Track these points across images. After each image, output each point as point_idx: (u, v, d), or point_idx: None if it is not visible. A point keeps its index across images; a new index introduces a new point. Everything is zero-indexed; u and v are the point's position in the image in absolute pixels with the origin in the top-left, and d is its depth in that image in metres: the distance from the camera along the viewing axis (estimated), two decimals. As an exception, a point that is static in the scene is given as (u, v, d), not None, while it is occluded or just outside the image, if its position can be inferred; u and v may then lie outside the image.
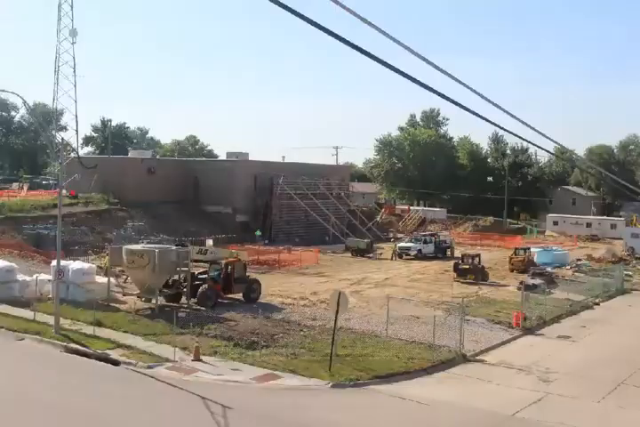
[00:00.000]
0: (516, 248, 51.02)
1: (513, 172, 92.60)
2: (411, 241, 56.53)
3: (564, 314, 33.12)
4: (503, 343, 27.31)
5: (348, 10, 6.73)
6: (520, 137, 9.46)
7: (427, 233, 61.91)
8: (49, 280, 31.01)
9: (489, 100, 8.32)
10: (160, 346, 24.35)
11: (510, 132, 9.25)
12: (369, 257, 53.91)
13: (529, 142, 9.94)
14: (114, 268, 33.97)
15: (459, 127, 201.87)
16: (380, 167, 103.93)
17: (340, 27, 7.11)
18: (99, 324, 26.48)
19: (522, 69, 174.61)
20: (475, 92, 8.13)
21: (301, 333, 26.63)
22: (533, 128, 8.99)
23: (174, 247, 32.67)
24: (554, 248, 54.56)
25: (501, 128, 9.01)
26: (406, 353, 24.27)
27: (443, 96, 7.75)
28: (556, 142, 9.99)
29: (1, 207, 50.13)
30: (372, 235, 65.03)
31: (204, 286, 30.84)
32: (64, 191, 37.60)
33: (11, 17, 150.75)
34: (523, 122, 8.86)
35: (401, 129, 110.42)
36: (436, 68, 7.70)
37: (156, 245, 33.03)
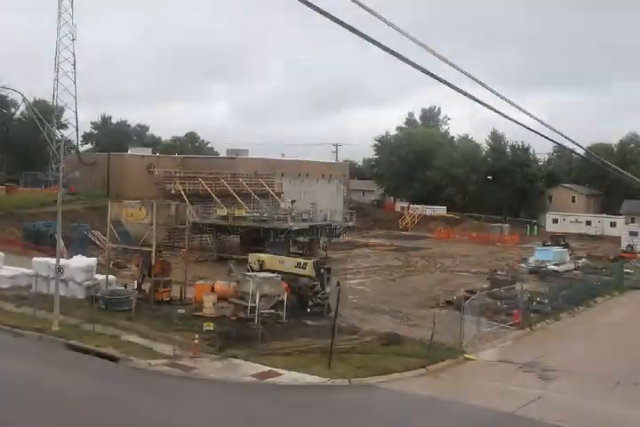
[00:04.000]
0: None
1: (512, 170, 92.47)
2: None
3: (563, 312, 33.14)
4: (503, 341, 27.32)
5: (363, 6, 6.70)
6: (525, 126, 9.42)
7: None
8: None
9: (494, 91, 8.29)
10: (159, 343, 24.35)
11: (515, 121, 9.21)
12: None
13: (533, 131, 9.86)
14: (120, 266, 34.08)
15: (457, 126, 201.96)
16: (379, 166, 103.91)
17: (345, 17, 7.07)
18: (98, 320, 26.48)
19: (520, 67, 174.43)
20: (479, 82, 8.10)
21: (302, 330, 26.66)
22: (537, 118, 8.96)
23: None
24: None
25: (507, 117, 8.97)
26: (405, 350, 24.27)
27: (448, 84, 7.72)
28: (556, 131, 9.94)
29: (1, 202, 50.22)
30: None
31: None
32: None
33: (11, 15, 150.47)
34: (526, 112, 8.84)
35: (400, 128, 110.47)
36: (440, 57, 7.68)
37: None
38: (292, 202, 53.29)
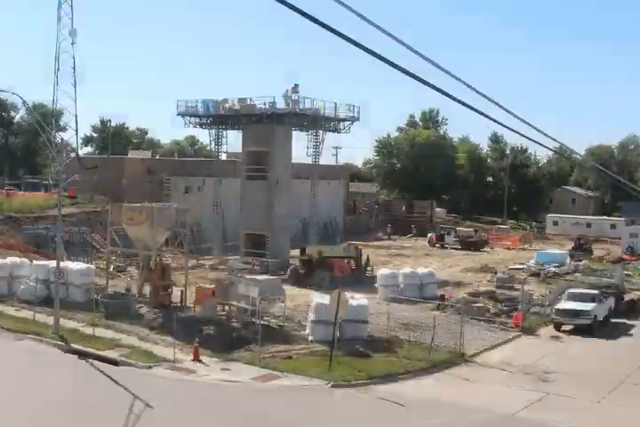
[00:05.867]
0: None
1: (512, 172, 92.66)
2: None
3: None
4: (503, 343, 27.31)
5: (350, 8, 6.72)
6: (521, 134, 9.45)
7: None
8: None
9: (490, 99, 8.31)
10: (159, 346, 24.36)
11: (511, 130, 9.24)
12: None
13: (530, 140, 9.90)
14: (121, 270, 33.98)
15: (458, 128, 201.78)
16: (379, 168, 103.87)
17: (338, 23, 7.10)
18: (98, 324, 26.48)
19: (520, 67, 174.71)
20: (475, 90, 8.12)
21: (301, 333, 26.65)
22: (534, 126, 8.99)
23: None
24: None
25: (503, 126, 9.00)
26: (405, 353, 24.26)
27: (444, 93, 7.74)
28: (556, 141, 9.98)
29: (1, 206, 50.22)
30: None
31: None
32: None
33: (11, 16, 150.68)
34: (523, 120, 8.86)
35: (400, 129, 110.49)
36: (437, 66, 7.70)
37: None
38: None
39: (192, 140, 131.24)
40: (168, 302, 30.75)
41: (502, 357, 25.19)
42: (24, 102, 45.11)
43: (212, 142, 52.06)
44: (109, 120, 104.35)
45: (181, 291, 31.16)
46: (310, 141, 49.99)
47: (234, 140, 55.82)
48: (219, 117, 48.81)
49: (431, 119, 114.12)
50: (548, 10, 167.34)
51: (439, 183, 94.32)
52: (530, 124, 9.13)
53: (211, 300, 28.69)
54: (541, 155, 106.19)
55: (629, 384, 22.35)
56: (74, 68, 66.17)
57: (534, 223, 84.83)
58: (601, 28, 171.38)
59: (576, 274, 46.36)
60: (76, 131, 69.32)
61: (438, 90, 7.72)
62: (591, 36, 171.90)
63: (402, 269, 37.21)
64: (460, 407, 19.43)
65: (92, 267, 33.86)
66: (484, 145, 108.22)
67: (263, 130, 46.41)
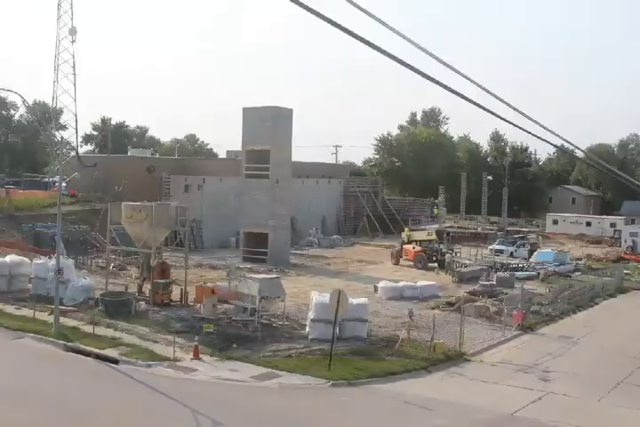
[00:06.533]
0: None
1: (512, 171, 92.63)
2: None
3: (563, 313, 33.13)
4: (503, 342, 27.30)
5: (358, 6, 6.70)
6: (524, 130, 9.42)
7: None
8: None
9: (494, 95, 8.28)
10: (159, 345, 24.33)
11: (515, 125, 9.19)
12: None
13: (534, 135, 9.84)
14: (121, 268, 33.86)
15: (459, 126, 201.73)
16: (379, 166, 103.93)
17: (344, 20, 7.08)
18: (98, 322, 26.46)
19: (521, 68, 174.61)
20: (479, 86, 8.09)
21: (301, 331, 26.65)
22: (537, 122, 8.95)
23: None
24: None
25: (507, 121, 8.96)
26: (405, 352, 24.25)
27: (448, 88, 7.71)
28: (559, 136, 9.94)
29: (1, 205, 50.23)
30: None
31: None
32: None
33: (10, 15, 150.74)
34: (527, 116, 8.82)
35: (401, 128, 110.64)
36: (442, 62, 7.67)
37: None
38: None
39: (192, 139, 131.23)
40: (168, 301, 30.75)
41: (502, 356, 25.18)
42: (24, 101, 45.07)
43: None
44: (110, 118, 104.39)
45: (181, 289, 31.16)
46: None
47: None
48: None
49: (432, 118, 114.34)
50: (548, 10, 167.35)
51: (439, 182, 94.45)
52: (533, 120, 9.10)
53: (211, 298, 28.68)
54: (542, 153, 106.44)
55: (629, 384, 22.34)
56: (73, 67, 66.23)
57: (534, 222, 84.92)
58: (600, 27, 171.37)
59: (576, 273, 46.37)
60: (76, 129, 69.39)
61: (443, 86, 7.69)
62: (590, 34, 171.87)
63: (401, 282, 36.42)
64: (459, 407, 19.42)
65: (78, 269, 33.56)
66: (485, 144, 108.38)
67: (264, 128, 46.46)
